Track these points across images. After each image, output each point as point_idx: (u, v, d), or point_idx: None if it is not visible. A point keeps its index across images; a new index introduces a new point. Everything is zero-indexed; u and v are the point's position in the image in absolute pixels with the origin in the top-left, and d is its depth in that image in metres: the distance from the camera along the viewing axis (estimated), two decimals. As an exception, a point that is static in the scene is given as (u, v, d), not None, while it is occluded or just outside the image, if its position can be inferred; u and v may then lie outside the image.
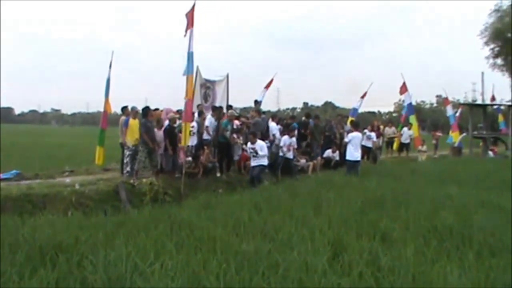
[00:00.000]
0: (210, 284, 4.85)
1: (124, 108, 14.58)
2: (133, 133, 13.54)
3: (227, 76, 19.14)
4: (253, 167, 14.40)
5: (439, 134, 29.75)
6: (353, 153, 15.51)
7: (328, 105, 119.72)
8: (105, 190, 12.03)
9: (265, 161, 14.47)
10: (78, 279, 5.08)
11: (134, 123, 13.69)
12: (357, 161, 15.70)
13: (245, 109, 19.36)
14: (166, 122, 14.24)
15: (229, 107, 17.80)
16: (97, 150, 14.72)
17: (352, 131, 16.07)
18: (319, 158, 18.55)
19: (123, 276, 5.10)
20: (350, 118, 23.42)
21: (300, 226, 7.39)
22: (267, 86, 21.95)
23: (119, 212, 9.59)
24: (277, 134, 17.11)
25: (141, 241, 6.38)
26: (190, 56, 13.08)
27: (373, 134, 21.04)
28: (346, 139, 15.48)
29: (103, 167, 15.17)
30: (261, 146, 14.45)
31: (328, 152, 19.21)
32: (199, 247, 6.18)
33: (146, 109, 13.88)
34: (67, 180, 13.12)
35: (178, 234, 6.96)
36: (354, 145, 15.50)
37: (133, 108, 14.15)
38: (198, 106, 16.70)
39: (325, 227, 7.35)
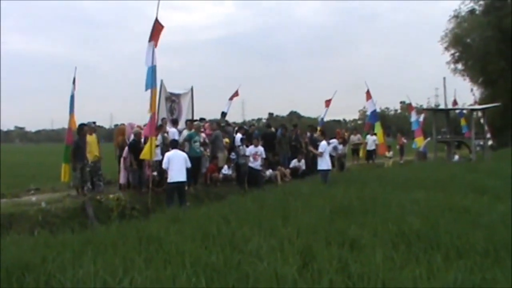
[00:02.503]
0: (181, 298, 4.83)
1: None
2: (92, 150, 13.59)
3: (191, 89, 19.08)
4: (252, 168, 16.00)
5: (404, 140, 30.15)
6: (328, 162, 15.65)
7: (293, 114, 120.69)
8: (71, 207, 11.88)
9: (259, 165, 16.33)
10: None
11: (91, 139, 13.70)
12: (330, 170, 15.88)
13: (212, 122, 19.32)
14: (131, 137, 14.17)
15: (202, 119, 17.81)
16: (63, 167, 14.37)
17: (322, 141, 16.17)
18: (285, 169, 18.64)
19: (92, 294, 5.05)
20: (318, 128, 23.71)
21: (269, 237, 7.41)
22: (232, 98, 22.04)
23: (86, 229, 9.39)
24: (241, 146, 17.17)
25: (109, 257, 6.31)
26: (151, 70, 13.08)
27: (340, 146, 21.31)
28: (320, 150, 15.51)
29: (69, 184, 14.91)
30: (262, 150, 16.26)
31: (294, 162, 19.36)
32: (168, 261, 6.14)
33: (80, 127, 13.78)
34: (33, 198, 12.91)
35: (147, 249, 6.90)
36: (326, 153, 15.65)
37: (89, 124, 14.12)
38: (163, 119, 16.61)
39: (294, 236, 7.38)
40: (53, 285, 5.33)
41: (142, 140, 14.10)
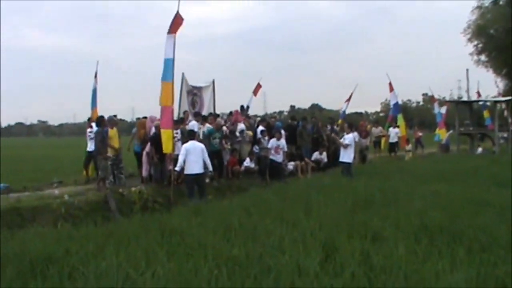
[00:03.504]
0: (203, 291, 4.84)
1: (89, 119, 15.43)
2: (113, 143, 13.72)
3: (213, 82, 19.07)
4: (274, 161, 16.22)
5: (419, 133, 29.82)
6: (350, 155, 15.54)
7: (315, 107, 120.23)
8: (94, 200, 12.01)
9: (282, 158, 16.45)
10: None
11: (113, 132, 13.79)
12: (351, 163, 15.77)
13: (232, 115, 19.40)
14: (153, 130, 14.22)
15: (216, 115, 17.78)
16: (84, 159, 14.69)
17: (348, 132, 15.97)
18: (307, 160, 18.57)
19: (114, 286, 5.08)
20: (339, 121, 23.53)
21: (291, 229, 7.40)
22: (255, 92, 21.95)
23: (109, 222, 9.49)
24: (262, 138, 17.18)
25: (131, 250, 6.35)
26: (168, 62, 13.06)
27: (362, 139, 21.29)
28: (346, 142, 15.36)
29: (92, 177, 15.08)
30: (284, 143, 16.29)
31: (316, 155, 19.28)
32: (191, 254, 6.15)
33: (101, 118, 13.84)
34: (56, 191, 13.05)
35: (169, 242, 6.93)
36: (351, 146, 15.52)
37: (110, 118, 14.20)
38: (184, 112, 16.65)
39: (316, 229, 7.36)
40: (76, 277, 5.38)
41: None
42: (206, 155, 12.63)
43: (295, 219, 8.16)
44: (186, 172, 12.42)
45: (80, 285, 5.14)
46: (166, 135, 13.04)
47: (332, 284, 5.03)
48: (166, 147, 13.08)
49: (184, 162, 12.25)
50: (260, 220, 8.18)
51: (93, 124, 14.65)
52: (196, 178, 12.42)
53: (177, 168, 12.51)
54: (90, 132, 14.88)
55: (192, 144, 12.56)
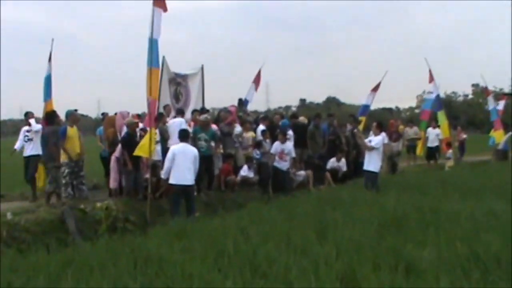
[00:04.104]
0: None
1: (27, 114, 15.11)
2: (73, 145, 13.48)
3: (202, 68, 19.13)
4: (278, 169, 16.28)
5: (463, 135, 29.62)
6: (377, 162, 15.51)
7: (331, 101, 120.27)
8: (47, 220, 11.81)
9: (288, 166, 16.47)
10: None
11: (72, 132, 13.57)
12: (378, 172, 15.71)
13: (220, 111, 19.34)
14: (124, 129, 14.18)
15: (203, 110, 17.74)
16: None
17: (376, 134, 15.89)
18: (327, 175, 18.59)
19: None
20: (362, 118, 23.51)
21: (300, 256, 7.40)
22: (256, 81, 21.96)
23: (66, 247, 9.48)
24: (264, 140, 17.20)
25: (95, 283, 6.35)
26: (153, 44, 13.07)
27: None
28: (372, 144, 15.29)
29: (44, 189, 15.01)
30: (291, 148, 16.43)
31: (332, 162, 19.29)
32: (171, 287, 6.15)
33: (53, 114, 13.85)
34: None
35: (144, 272, 6.93)
36: (379, 152, 15.49)
37: (69, 113, 14.02)
38: (165, 107, 16.64)
39: (332, 256, 7.35)
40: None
41: (138, 133, 14.12)
42: (197, 163, 12.74)
43: (305, 244, 8.16)
44: (172, 181, 12.44)
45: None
46: (151, 135, 13.11)
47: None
48: (143, 150, 13.11)
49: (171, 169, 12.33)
50: (260, 244, 8.17)
51: (32, 121, 14.69)
52: (185, 190, 12.44)
53: (163, 176, 12.54)
54: (28, 131, 14.88)
55: (183, 147, 12.59)
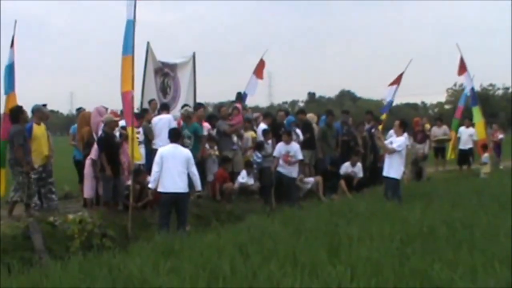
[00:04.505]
0: None
1: None
2: (40, 146, 13.52)
3: (193, 57, 19.12)
4: (282, 175, 16.37)
5: (500, 135, 29.28)
6: (400, 167, 15.47)
7: (345, 95, 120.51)
8: (8, 235, 11.79)
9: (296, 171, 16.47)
10: None
11: (40, 130, 13.63)
12: (400, 179, 15.65)
13: (222, 106, 19.30)
14: (101, 128, 14.14)
15: (200, 105, 17.74)
16: None
17: (399, 134, 15.77)
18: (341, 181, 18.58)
19: None
20: (382, 115, 23.47)
21: (309, 278, 7.40)
22: (257, 72, 21.89)
23: (31, 268, 9.43)
24: (265, 142, 17.22)
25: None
26: (129, 26, 13.05)
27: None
28: (394, 146, 15.20)
29: (5, 198, 14.98)
30: (297, 149, 16.34)
31: (346, 166, 19.26)
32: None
33: (19, 109, 13.52)
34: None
35: (124, 297, 6.93)
36: (401, 155, 15.44)
37: (36, 108, 14.02)
38: (150, 102, 16.63)
39: (347, 278, 7.35)
40: None
41: (118, 132, 14.09)
42: (194, 167, 12.75)
43: (315, 264, 8.13)
44: (161, 189, 12.48)
45: None
46: (129, 134, 13.14)
47: None
48: (132, 153, 13.13)
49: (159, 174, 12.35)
50: (262, 264, 8.15)
51: None
52: (176, 199, 12.45)
53: (151, 185, 12.57)
54: None
55: (173, 149, 12.65)
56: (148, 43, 16.87)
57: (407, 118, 23.91)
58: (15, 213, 13.39)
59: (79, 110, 16.72)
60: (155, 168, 12.43)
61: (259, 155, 17.14)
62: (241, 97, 19.98)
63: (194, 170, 12.68)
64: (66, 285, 7.45)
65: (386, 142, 15.81)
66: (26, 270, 8.88)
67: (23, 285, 7.66)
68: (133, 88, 13.26)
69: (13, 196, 13.12)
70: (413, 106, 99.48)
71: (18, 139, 12.96)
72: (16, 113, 13.21)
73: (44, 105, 14.55)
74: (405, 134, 16.52)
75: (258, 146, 17.31)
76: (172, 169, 12.36)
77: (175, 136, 12.97)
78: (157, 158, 12.52)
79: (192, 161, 12.74)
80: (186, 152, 12.84)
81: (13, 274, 8.49)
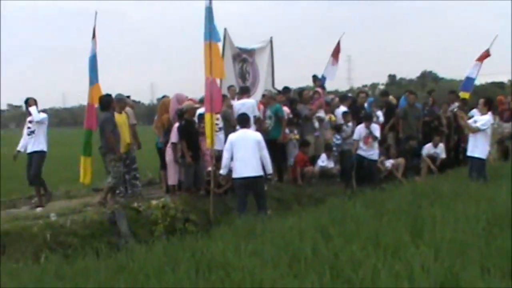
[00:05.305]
0: None
1: (27, 101, 14.41)
2: (122, 135, 13.67)
3: (271, 41, 19.09)
4: (362, 157, 16.37)
5: None
6: (485, 146, 15.16)
7: (427, 76, 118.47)
8: (96, 221, 12.08)
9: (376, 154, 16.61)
10: None
11: (121, 119, 13.80)
12: (486, 159, 15.34)
13: (303, 90, 19.22)
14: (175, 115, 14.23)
15: (286, 89, 17.79)
16: (82, 162, 14.62)
17: (483, 113, 15.42)
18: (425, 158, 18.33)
19: None
20: (462, 94, 22.98)
21: (391, 259, 7.35)
22: (335, 55, 21.72)
23: (118, 252, 9.59)
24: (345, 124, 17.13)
25: (152, 291, 6.45)
26: (207, 13, 13.15)
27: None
28: (478, 125, 14.88)
29: (91, 186, 15.29)
30: (376, 129, 16.52)
31: (428, 148, 19.01)
32: (239, 295, 6.21)
33: (108, 98, 13.68)
34: (38, 209, 13.28)
35: (208, 279, 7.03)
36: (486, 134, 15.11)
37: (118, 98, 14.20)
38: (229, 88, 16.70)
39: (430, 259, 7.26)
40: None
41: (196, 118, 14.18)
42: (265, 150, 12.71)
43: (398, 244, 8.09)
44: (234, 175, 12.56)
45: None
46: (207, 120, 13.24)
47: None
48: (211, 139, 13.27)
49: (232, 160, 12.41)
50: (344, 245, 8.14)
51: (32, 110, 14.12)
52: (249, 183, 12.48)
53: (221, 171, 12.66)
54: (31, 122, 14.33)
55: (242, 134, 12.69)
56: (225, 29, 16.92)
57: (493, 96, 23.02)
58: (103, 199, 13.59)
59: (163, 97, 16.85)
60: (225, 154, 12.53)
61: (339, 137, 17.08)
62: (318, 79, 19.84)
63: (265, 153, 12.64)
64: (150, 267, 7.56)
65: (469, 121, 15.50)
66: (113, 254, 9.06)
67: (110, 268, 7.81)
68: (216, 74, 13.39)
69: (109, 182, 13.24)
70: (499, 85, 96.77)
71: (109, 126, 13.13)
72: (106, 101, 13.43)
73: (128, 97, 14.82)
74: (490, 113, 16.13)
75: (337, 128, 17.24)
76: (243, 153, 12.41)
77: (244, 121, 13.02)
78: (227, 145, 12.63)
79: (263, 144, 12.72)
80: (256, 136, 12.85)
81: (101, 257, 8.67)
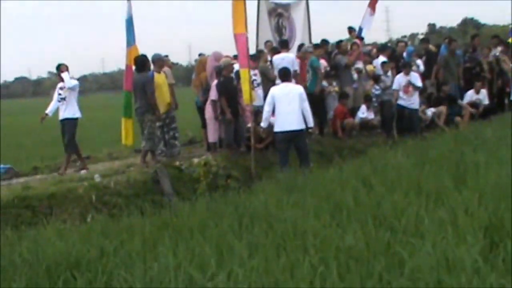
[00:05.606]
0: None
1: (59, 67, 14.19)
2: (162, 95, 13.59)
3: (306, -3, 18.90)
4: (403, 107, 16.29)
5: None
6: None
7: (468, 23, 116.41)
8: (139, 181, 12.24)
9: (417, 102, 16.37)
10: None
11: (160, 79, 13.71)
12: None
13: (340, 41, 18.95)
14: (214, 74, 14.19)
15: (324, 42, 17.72)
16: (123, 124, 14.74)
17: None
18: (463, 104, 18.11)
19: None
20: (509, 40, 22.54)
21: (434, 206, 7.32)
22: (371, 5, 21.40)
23: (162, 209, 9.59)
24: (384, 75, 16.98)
25: (196, 245, 6.52)
26: None
27: None
28: None
29: (133, 147, 15.38)
30: (417, 77, 16.24)
31: (470, 94, 18.73)
32: (283, 246, 6.25)
33: (143, 58, 13.60)
34: (82, 171, 13.41)
35: (251, 231, 7.08)
36: None
37: (156, 57, 14.04)
38: (266, 43, 16.65)
39: (474, 204, 7.20)
40: (117, 286, 5.60)
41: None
42: (306, 103, 12.63)
43: (440, 191, 8.06)
44: (276, 129, 12.54)
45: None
46: (243, 76, 13.22)
47: (504, 285, 4.93)
48: (248, 95, 13.24)
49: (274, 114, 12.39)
50: (386, 194, 8.13)
51: (65, 76, 13.88)
52: (291, 137, 12.43)
53: (262, 124, 12.68)
54: (61, 89, 14.10)
55: (283, 87, 12.62)
56: (260, -15, 16.81)
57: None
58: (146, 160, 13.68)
59: (200, 55, 16.82)
60: (266, 107, 12.51)
61: (378, 88, 16.96)
62: (353, 30, 19.64)
63: (306, 106, 12.55)
64: (194, 223, 7.63)
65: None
66: (157, 212, 9.11)
67: (155, 225, 7.90)
68: (246, 30, 13.35)
69: (145, 146, 13.30)
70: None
71: (151, 86, 13.09)
72: (142, 62, 13.41)
73: (166, 56, 14.79)
74: None
75: (376, 79, 17.10)
76: (285, 107, 12.32)
77: (285, 75, 12.90)
78: (268, 98, 12.59)
79: (305, 96, 12.64)
80: (299, 89, 12.79)
81: (145, 215, 8.73)
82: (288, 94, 12.43)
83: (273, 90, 12.65)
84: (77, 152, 14.14)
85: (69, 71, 14.12)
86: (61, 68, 14.14)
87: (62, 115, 13.93)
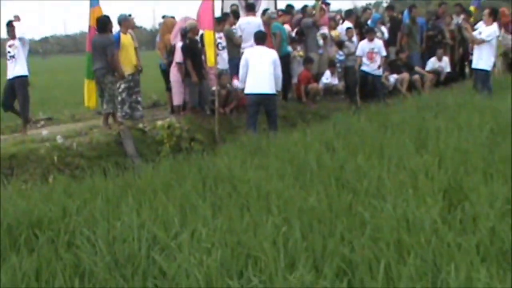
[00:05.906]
0: (265, 255, 4.95)
1: (9, 23, 13.40)
2: (128, 56, 13.44)
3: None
4: (366, 73, 16.17)
5: None
6: (490, 58, 15.00)
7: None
8: (102, 142, 12.05)
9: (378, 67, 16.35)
10: (69, 264, 5.22)
11: (126, 40, 13.51)
12: (490, 71, 15.24)
13: (305, 6, 18.78)
14: (178, 37, 14.06)
15: (289, 7, 17.63)
16: (86, 86, 14.21)
17: (488, 24, 15.18)
18: (420, 71, 18.21)
19: (136, 254, 5.28)
20: (472, 8, 22.64)
21: (395, 169, 7.43)
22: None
23: (125, 171, 9.59)
24: (349, 40, 17.00)
25: (159, 205, 6.56)
26: None
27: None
28: (482, 36, 14.67)
29: (96, 109, 15.23)
30: (381, 46, 16.23)
31: (432, 62, 18.85)
32: (246, 206, 6.31)
33: (106, 19, 13.14)
34: (44, 132, 13.15)
35: (214, 192, 7.14)
36: (491, 45, 14.96)
37: (122, 17, 13.80)
38: (232, 6, 16.53)
39: (434, 167, 7.34)
40: (79, 245, 5.57)
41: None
42: (279, 69, 12.60)
43: (402, 155, 8.17)
44: (247, 90, 12.50)
45: (85, 255, 5.32)
46: (208, 38, 13.09)
47: (461, 244, 5.02)
48: (212, 57, 13.13)
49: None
50: (348, 158, 8.23)
51: (17, 24, 13.24)
52: (262, 100, 12.38)
53: (239, 85, 12.75)
54: (11, 46, 13.33)
55: (258, 50, 12.56)
56: None
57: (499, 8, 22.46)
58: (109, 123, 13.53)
59: (164, 17, 16.62)
60: (241, 69, 12.42)
61: (342, 53, 16.99)
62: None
63: (279, 72, 12.52)
64: (158, 183, 7.65)
65: (474, 33, 15.33)
66: (121, 173, 9.09)
67: (118, 185, 7.89)
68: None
69: (106, 108, 13.08)
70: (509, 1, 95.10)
71: (112, 49, 12.83)
72: (104, 22, 13.02)
73: (130, 15, 14.59)
74: (495, 24, 15.90)
75: (340, 44, 17.12)
76: (258, 70, 12.24)
77: (260, 38, 12.77)
78: (242, 61, 12.48)
79: (279, 62, 12.58)
80: (273, 53, 12.70)
81: (109, 176, 8.66)
82: (262, 57, 12.37)
83: (247, 53, 12.62)
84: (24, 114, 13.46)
85: (22, 24, 13.54)
86: (14, 20, 13.55)
87: (12, 73, 13.19)
